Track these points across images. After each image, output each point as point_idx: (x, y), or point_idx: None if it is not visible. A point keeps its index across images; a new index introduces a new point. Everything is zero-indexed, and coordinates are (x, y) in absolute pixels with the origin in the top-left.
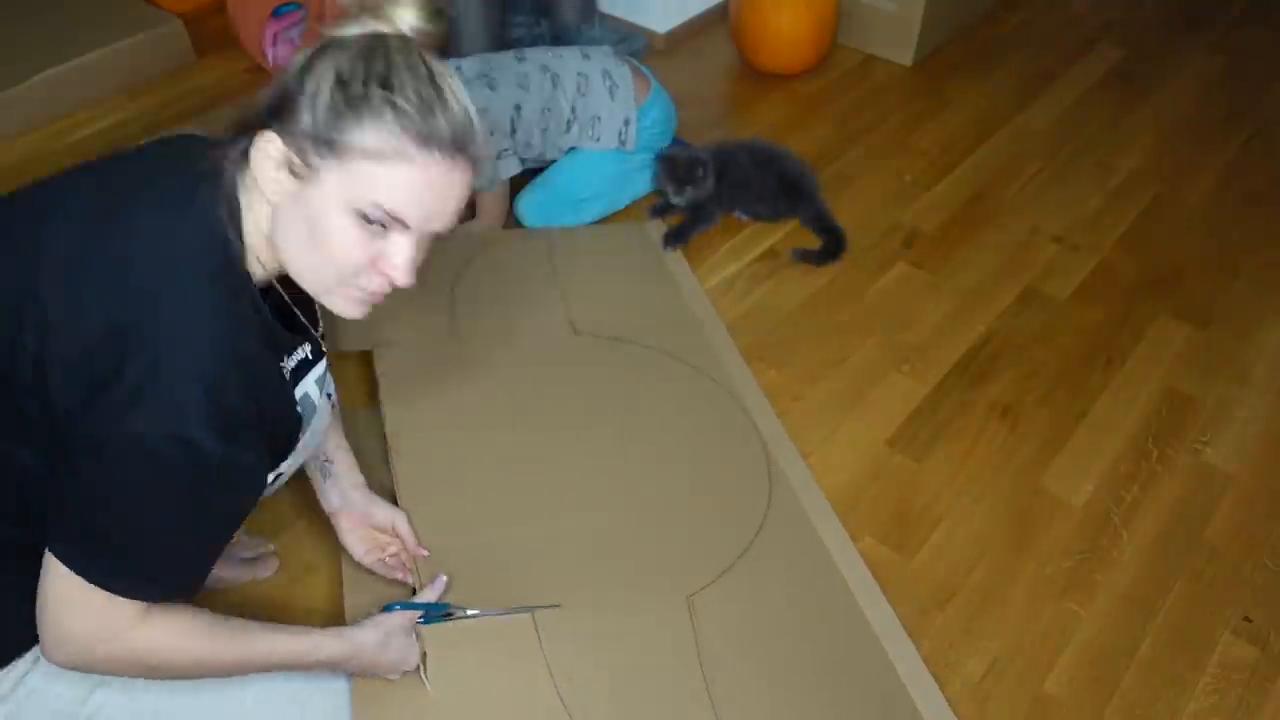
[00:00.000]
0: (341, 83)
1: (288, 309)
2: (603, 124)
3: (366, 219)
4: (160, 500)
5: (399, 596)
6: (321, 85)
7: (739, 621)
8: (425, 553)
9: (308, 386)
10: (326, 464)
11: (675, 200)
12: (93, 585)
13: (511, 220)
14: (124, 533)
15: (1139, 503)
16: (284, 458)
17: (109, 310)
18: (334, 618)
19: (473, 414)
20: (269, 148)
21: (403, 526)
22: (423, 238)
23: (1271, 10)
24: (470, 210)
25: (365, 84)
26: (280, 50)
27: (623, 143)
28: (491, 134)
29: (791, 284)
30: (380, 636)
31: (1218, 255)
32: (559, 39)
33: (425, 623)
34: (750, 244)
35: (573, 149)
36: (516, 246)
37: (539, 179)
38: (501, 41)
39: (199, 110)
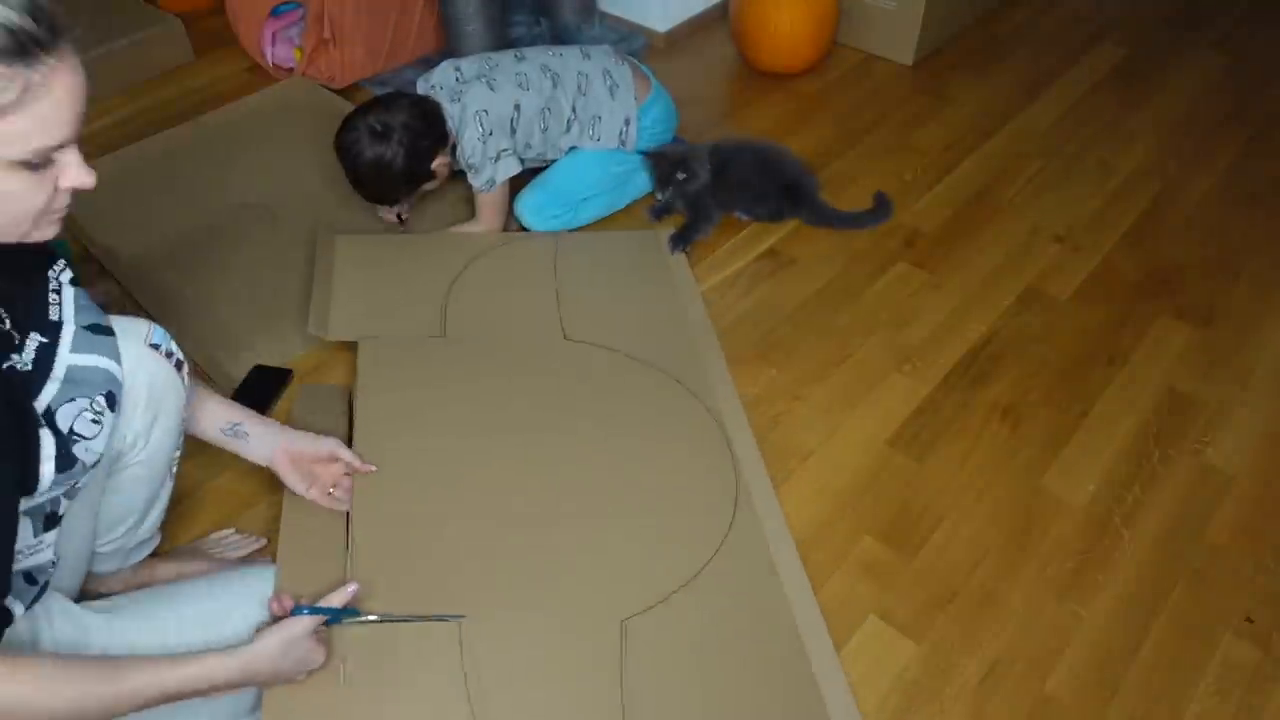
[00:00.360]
0: None
1: None
2: (603, 123)
3: (31, 165)
4: None
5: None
6: None
7: (672, 652)
8: (373, 468)
9: (75, 360)
10: (236, 427)
11: (659, 197)
12: None
13: (511, 221)
14: None
15: (1140, 503)
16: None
17: None
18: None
19: (443, 414)
20: None
21: (344, 452)
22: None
23: (1274, 9)
24: (464, 207)
25: None
26: (279, 50)
27: (623, 142)
28: (491, 134)
29: (792, 284)
30: (280, 644)
31: (1219, 255)
32: (559, 39)
33: (331, 623)
34: (750, 244)
35: (573, 148)
36: (520, 249)
37: (538, 179)
38: (501, 41)
39: (198, 109)
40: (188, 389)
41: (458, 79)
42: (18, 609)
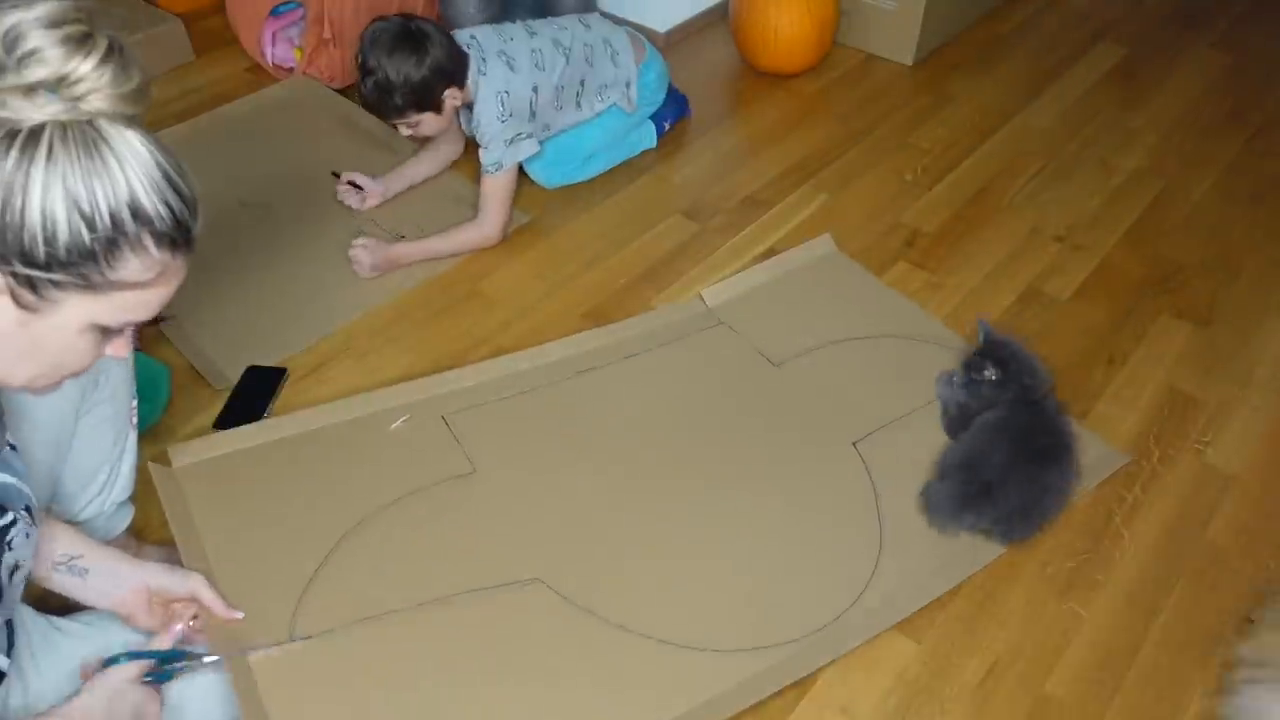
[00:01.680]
0: (82, 213)
1: None
2: (609, 90)
3: (106, 331)
4: None
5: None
6: (54, 216)
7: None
8: (240, 615)
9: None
10: (73, 561)
11: (954, 380)
12: None
13: (514, 218)
14: None
15: (1141, 503)
16: None
17: None
18: None
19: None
20: None
21: (205, 594)
22: None
23: (1273, 9)
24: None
25: (114, 210)
26: (279, 50)
27: (628, 100)
28: (511, 116)
29: None
30: (103, 699)
31: (1220, 254)
32: None
33: (156, 679)
34: (750, 244)
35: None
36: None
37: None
38: None
39: (198, 109)
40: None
41: (474, 44)
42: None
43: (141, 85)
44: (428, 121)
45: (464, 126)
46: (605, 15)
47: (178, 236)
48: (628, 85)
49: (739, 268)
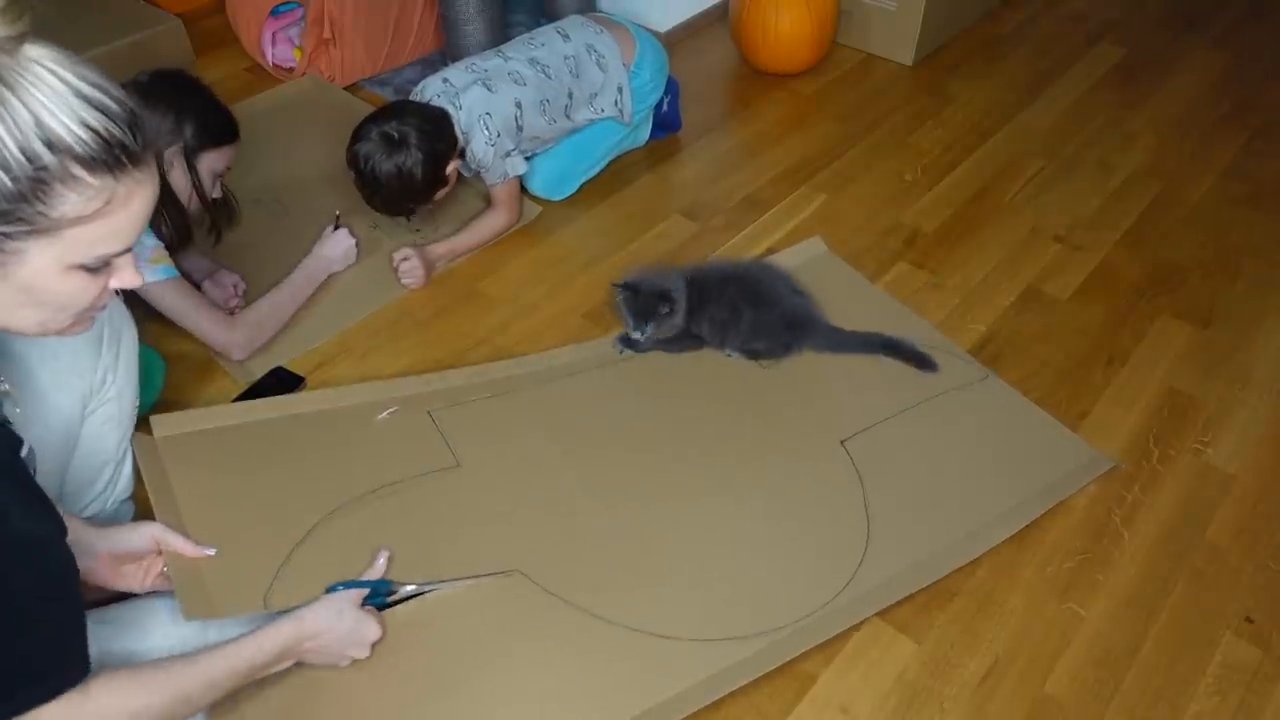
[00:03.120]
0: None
1: None
2: (600, 98)
3: (89, 269)
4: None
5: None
6: None
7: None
8: (211, 551)
9: None
10: None
11: (638, 335)
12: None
13: (525, 208)
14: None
15: (1140, 503)
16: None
17: None
18: None
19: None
20: None
21: (172, 539)
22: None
23: (1273, 9)
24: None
25: (24, 145)
26: (279, 50)
27: (620, 111)
28: (499, 135)
29: None
30: (331, 612)
31: (1219, 255)
32: None
33: (373, 602)
34: (750, 243)
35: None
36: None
37: (545, 154)
38: (501, 41)
39: None
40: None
41: (450, 87)
42: None
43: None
44: (443, 193)
45: (463, 171)
46: (604, 15)
47: (110, 158)
48: (620, 91)
49: None
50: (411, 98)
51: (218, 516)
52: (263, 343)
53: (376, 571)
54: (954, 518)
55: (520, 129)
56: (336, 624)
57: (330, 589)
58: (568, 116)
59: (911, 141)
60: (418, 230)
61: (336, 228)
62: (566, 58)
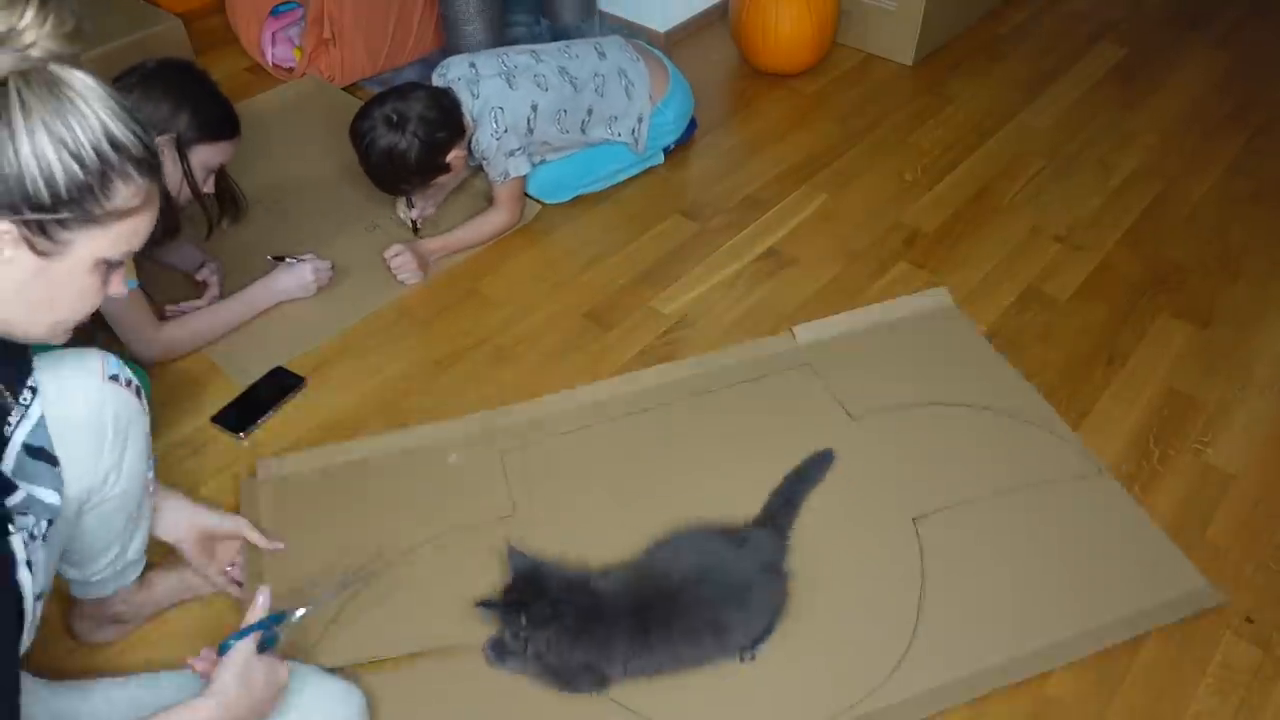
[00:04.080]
0: (70, 151)
1: None
2: (619, 122)
3: (110, 265)
4: None
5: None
6: (46, 158)
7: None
8: (281, 545)
9: (32, 439)
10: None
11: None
12: None
13: (528, 209)
14: None
15: (1140, 503)
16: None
17: None
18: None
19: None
20: None
21: (248, 531)
22: None
23: (1274, 9)
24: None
25: (96, 144)
26: (279, 49)
27: (635, 140)
28: (506, 131)
29: (793, 283)
30: (237, 676)
31: (1220, 254)
32: (558, 38)
33: (267, 644)
34: (751, 244)
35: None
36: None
37: (553, 161)
38: (501, 41)
39: None
40: (148, 409)
41: (474, 72)
42: None
43: (79, 24)
44: (447, 179)
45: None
46: (644, 46)
47: (151, 161)
48: (639, 121)
49: (739, 268)
50: (435, 75)
51: (292, 560)
52: (178, 357)
53: (259, 610)
54: (1019, 629)
55: (530, 132)
56: (249, 693)
57: (223, 646)
58: (583, 131)
59: (912, 141)
60: (417, 231)
61: (300, 260)
62: (596, 75)
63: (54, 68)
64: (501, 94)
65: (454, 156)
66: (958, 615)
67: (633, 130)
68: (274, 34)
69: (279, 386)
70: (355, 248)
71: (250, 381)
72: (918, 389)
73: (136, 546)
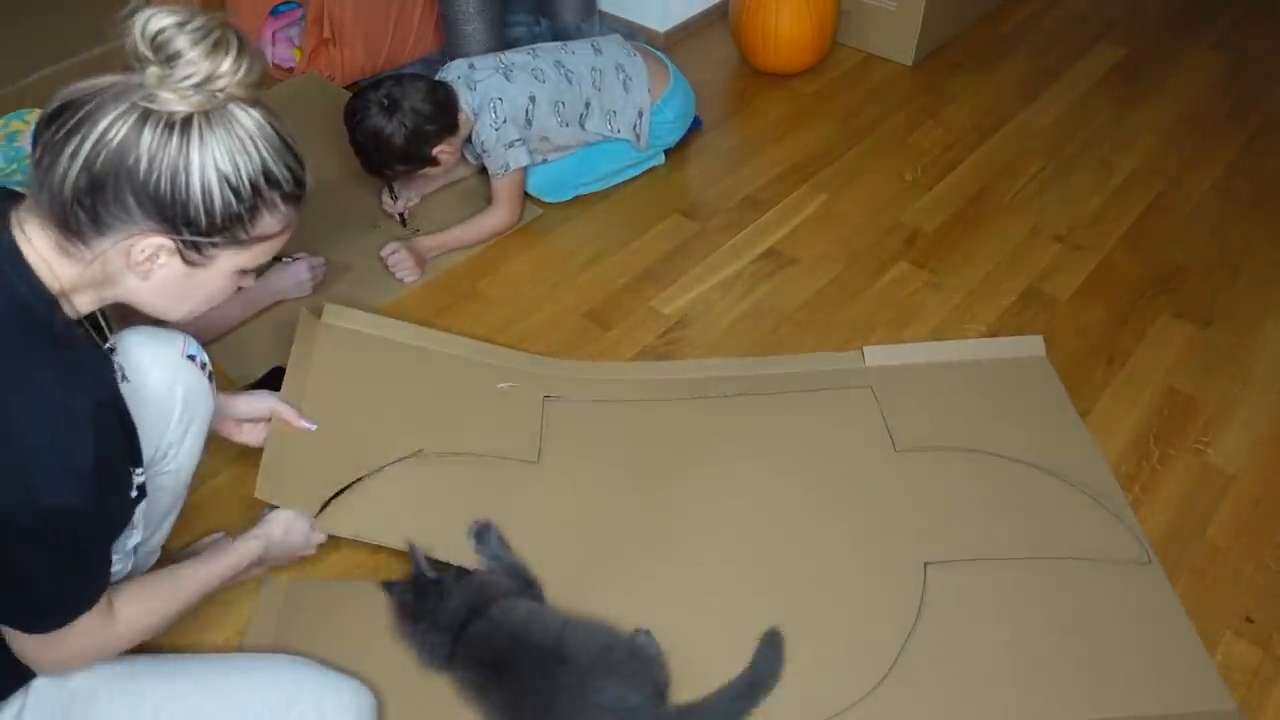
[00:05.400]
0: (230, 186)
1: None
2: (619, 117)
3: (245, 274)
4: (53, 559)
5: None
6: (210, 189)
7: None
8: (312, 426)
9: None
10: None
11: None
12: (54, 631)
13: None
14: (43, 587)
15: (1140, 503)
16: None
17: None
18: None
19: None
20: (149, 245)
21: (281, 408)
22: None
23: (1273, 9)
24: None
25: (254, 180)
26: (279, 49)
27: (636, 136)
28: (505, 122)
29: (793, 283)
30: (281, 526)
31: (1220, 254)
32: (559, 39)
33: None
34: (750, 243)
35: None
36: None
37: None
38: (501, 41)
39: None
40: (214, 400)
41: (472, 71)
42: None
43: (262, 71)
44: (434, 172)
45: (469, 156)
46: (645, 47)
47: (298, 193)
48: (640, 115)
49: (739, 268)
50: (438, 75)
51: (331, 412)
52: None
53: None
54: (1005, 696)
55: (530, 123)
56: (286, 540)
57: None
58: (581, 125)
59: (911, 141)
60: (416, 231)
61: (294, 259)
62: (593, 69)
63: (232, 106)
64: (499, 86)
65: (441, 151)
66: (940, 667)
67: (633, 125)
68: (274, 34)
69: (279, 386)
70: (355, 247)
71: (250, 381)
72: (973, 434)
73: (159, 538)
